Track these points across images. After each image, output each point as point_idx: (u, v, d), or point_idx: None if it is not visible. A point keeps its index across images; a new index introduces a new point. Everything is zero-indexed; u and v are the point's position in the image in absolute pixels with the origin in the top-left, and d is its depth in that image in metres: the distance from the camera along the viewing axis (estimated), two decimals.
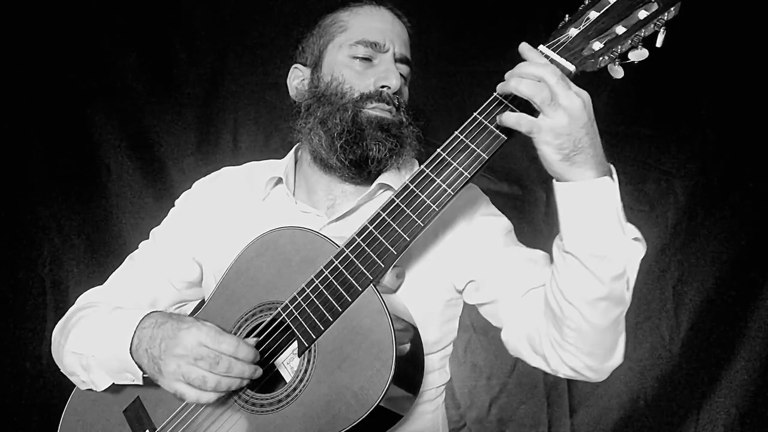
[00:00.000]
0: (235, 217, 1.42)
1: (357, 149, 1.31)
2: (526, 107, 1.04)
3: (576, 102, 0.98)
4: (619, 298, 1.08)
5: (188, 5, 2.39)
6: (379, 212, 1.14)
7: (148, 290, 1.44)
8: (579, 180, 1.02)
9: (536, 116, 1.01)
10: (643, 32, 1.04)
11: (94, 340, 1.26)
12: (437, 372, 1.40)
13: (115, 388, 1.27)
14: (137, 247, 1.51)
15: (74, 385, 1.35)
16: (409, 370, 1.13)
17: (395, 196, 1.14)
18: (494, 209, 1.42)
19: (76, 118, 2.35)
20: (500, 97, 1.08)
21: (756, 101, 2.24)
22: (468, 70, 2.31)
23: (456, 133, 1.11)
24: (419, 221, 1.11)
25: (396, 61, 1.36)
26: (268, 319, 1.19)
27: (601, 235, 1.03)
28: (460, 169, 1.09)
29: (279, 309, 1.18)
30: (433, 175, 1.11)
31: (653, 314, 2.31)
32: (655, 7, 1.02)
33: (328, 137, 1.33)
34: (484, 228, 1.35)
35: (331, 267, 1.14)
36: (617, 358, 1.17)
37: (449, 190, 1.09)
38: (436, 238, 1.33)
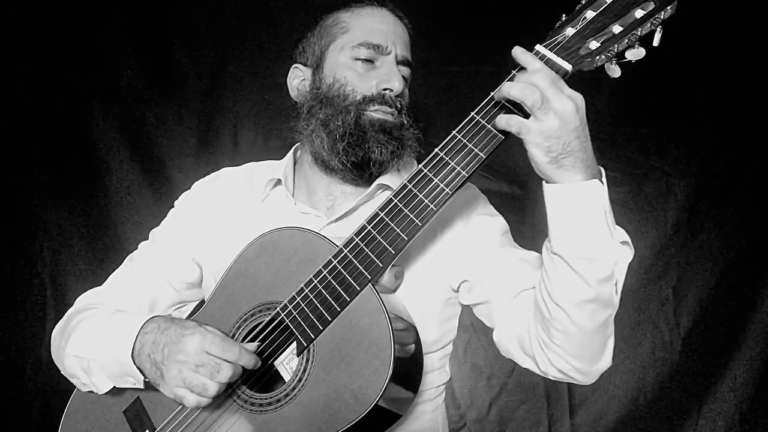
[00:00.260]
0: (235, 217, 1.42)
1: (359, 151, 1.31)
2: (522, 108, 1.04)
3: (568, 106, 0.98)
4: (607, 301, 1.08)
5: (188, 5, 2.39)
6: (377, 212, 1.14)
7: (148, 291, 1.44)
8: (567, 182, 1.02)
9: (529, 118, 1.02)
10: (640, 31, 1.04)
11: (95, 343, 1.26)
12: (437, 371, 1.41)
13: (115, 389, 1.27)
14: (137, 248, 1.51)
15: (75, 386, 1.35)
16: (408, 370, 1.13)
17: (393, 196, 1.14)
18: (491, 209, 1.42)
19: (76, 118, 2.35)
20: (497, 98, 1.08)
21: (756, 101, 2.24)
22: (468, 70, 2.31)
23: (454, 132, 1.11)
24: (417, 221, 1.11)
25: (398, 63, 1.36)
26: (267, 319, 1.19)
27: (589, 237, 1.04)
28: (458, 168, 1.09)
29: (278, 309, 1.18)
30: (431, 175, 1.11)
31: (653, 314, 2.31)
32: (651, 6, 1.02)
33: (330, 139, 1.33)
34: (480, 228, 1.35)
35: (330, 267, 1.15)
36: (605, 361, 1.17)
37: (447, 190, 1.10)
38: (434, 237, 1.34)
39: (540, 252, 1.15)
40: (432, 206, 1.10)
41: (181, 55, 2.40)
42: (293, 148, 1.49)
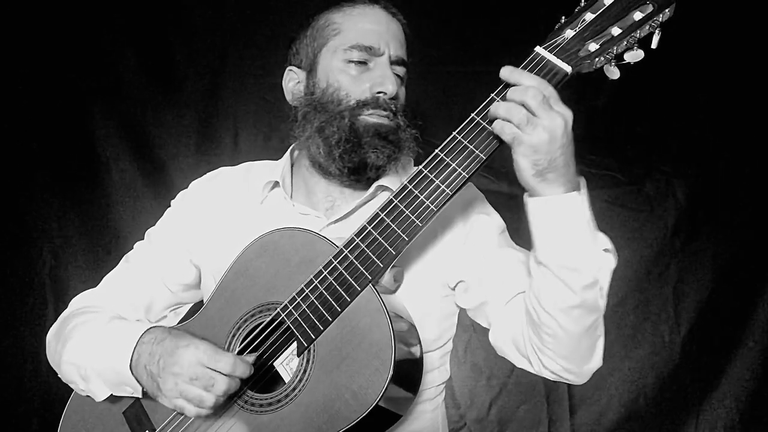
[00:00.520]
0: (234, 218, 1.41)
1: (355, 157, 1.30)
2: None
3: (557, 123, 1.00)
4: (593, 306, 1.11)
5: (188, 5, 2.38)
6: (377, 212, 1.15)
7: (143, 293, 1.43)
8: (548, 195, 1.05)
9: None
10: (639, 33, 1.05)
11: (93, 352, 1.26)
12: (437, 370, 1.40)
13: None
14: (132, 248, 1.50)
15: None
16: (409, 370, 1.13)
17: (394, 197, 1.14)
18: (489, 208, 1.42)
19: (76, 118, 2.35)
20: (497, 99, 1.08)
21: (756, 101, 2.24)
22: (468, 70, 2.31)
23: (454, 133, 1.11)
24: (418, 221, 1.11)
25: (392, 62, 1.34)
26: (267, 319, 1.19)
27: (571, 248, 1.06)
28: (459, 169, 1.09)
29: (278, 309, 1.18)
30: (431, 176, 1.12)
31: (653, 314, 2.31)
32: (650, 8, 1.04)
33: (326, 145, 1.31)
34: (478, 227, 1.35)
35: (330, 267, 1.15)
36: (595, 361, 1.19)
37: (447, 191, 1.10)
38: (432, 236, 1.33)
39: None
40: (432, 207, 1.11)
41: (181, 55, 2.39)
42: (290, 148, 1.48)
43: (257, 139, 2.40)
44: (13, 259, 2.33)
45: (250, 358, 1.16)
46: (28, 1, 2.30)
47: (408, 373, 1.13)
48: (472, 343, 2.35)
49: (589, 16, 1.07)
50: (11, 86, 2.31)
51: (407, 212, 1.12)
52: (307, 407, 1.11)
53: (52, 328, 1.40)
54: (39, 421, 2.28)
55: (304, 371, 1.13)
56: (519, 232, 1.40)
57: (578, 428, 2.34)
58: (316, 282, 1.15)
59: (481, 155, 1.09)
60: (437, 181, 1.11)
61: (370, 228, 1.14)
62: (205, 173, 1.53)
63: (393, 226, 1.12)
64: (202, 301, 1.47)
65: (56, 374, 1.36)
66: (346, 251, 1.15)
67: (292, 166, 1.47)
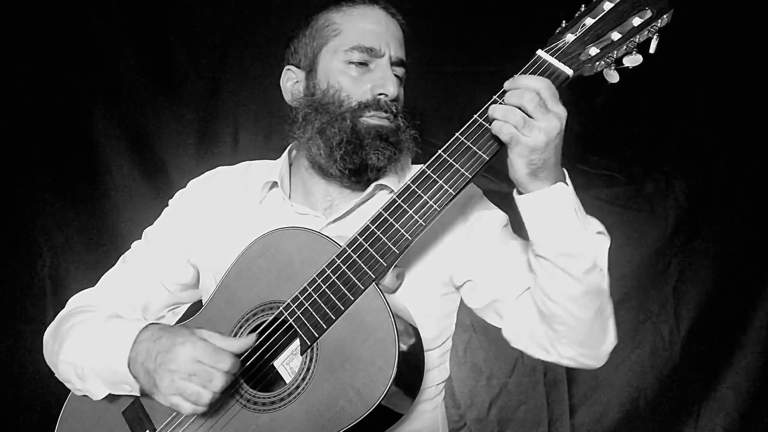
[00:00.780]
0: (233, 218, 1.40)
1: (356, 158, 1.30)
2: None
3: (553, 125, 1.03)
4: (597, 290, 1.14)
5: (188, 5, 2.39)
6: (380, 212, 1.15)
7: (140, 293, 1.43)
8: (537, 190, 1.09)
9: None
10: (638, 38, 1.08)
11: (90, 351, 1.25)
12: (436, 369, 1.40)
13: None
14: (130, 247, 1.50)
15: None
16: (411, 369, 1.13)
17: (397, 196, 1.15)
18: (489, 203, 1.42)
19: (76, 118, 2.35)
20: (499, 101, 1.09)
21: (755, 101, 2.25)
22: (468, 70, 2.32)
23: (457, 134, 1.12)
24: (421, 221, 1.12)
25: (392, 63, 1.34)
26: (270, 318, 1.19)
27: (564, 235, 1.10)
28: (462, 170, 1.11)
29: (281, 308, 1.18)
30: (434, 176, 1.12)
31: (653, 314, 2.32)
32: (649, 14, 1.06)
33: (327, 147, 1.31)
34: (481, 225, 1.35)
35: (334, 266, 1.15)
36: (610, 341, 1.22)
37: (450, 190, 1.11)
38: (432, 235, 1.33)
39: None
40: (436, 206, 1.12)
41: (181, 55, 2.39)
42: (288, 148, 1.48)
43: (257, 139, 2.40)
44: (13, 259, 2.32)
45: (249, 340, 1.16)
46: (28, 1, 2.30)
47: (410, 372, 1.13)
48: (472, 343, 2.35)
49: (589, 21, 1.09)
50: (11, 86, 2.31)
51: (411, 212, 1.13)
52: (310, 405, 1.11)
53: (49, 328, 1.39)
54: (39, 421, 2.27)
55: (308, 369, 1.13)
56: (519, 232, 1.41)
57: (578, 428, 2.34)
58: (319, 281, 1.15)
59: (484, 156, 1.10)
60: (440, 182, 1.12)
61: (373, 227, 1.15)
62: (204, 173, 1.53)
63: (396, 225, 1.13)
64: (200, 301, 1.47)
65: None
66: (349, 250, 1.15)
67: (290, 166, 1.47)
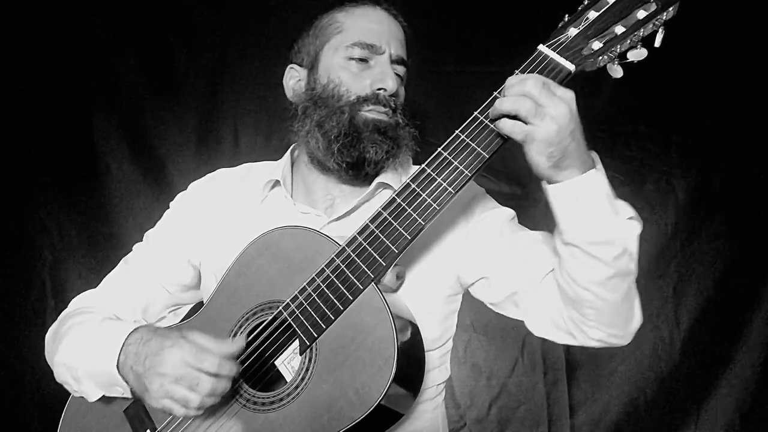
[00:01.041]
0: (234, 218, 1.41)
1: (354, 152, 1.32)
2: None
3: (562, 110, 1.00)
4: (626, 272, 1.11)
5: (188, 5, 2.38)
6: (380, 211, 1.15)
7: (141, 294, 1.44)
8: (566, 180, 1.05)
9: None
10: (642, 32, 1.05)
11: (82, 353, 1.26)
12: (437, 369, 1.41)
13: None
14: (132, 250, 1.51)
15: None
16: (411, 368, 1.13)
17: (396, 195, 1.14)
18: (493, 202, 1.43)
19: (76, 118, 2.35)
20: (500, 96, 1.08)
21: (756, 101, 2.24)
22: (468, 70, 2.31)
23: (457, 132, 1.11)
24: (420, 219, 1.11)
25: (392, 62, 1.36)
26: (269, 318, 1.19)
27: (596, 224, 1.07)
28: (461, 168, 1.10)
29: (280, 308, 1.18)
30: (434, 174, 1.12)
31: (653, 314, 2.31)
32: (653, 7, 1.04)
33: (325, 140, 1.33)
34: (485, 222, 1.36)
35: (333, 265, 1.15)
36: (637, 320, 1.21)
37: (450, 189, 1.10)
38: (435, 234, 1.34)
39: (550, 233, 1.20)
40: (435, 205, 1.11)
41: (181, 55, 2.39)
42: (290, 148, 1.49)
43: (257, 139, 2.40)
44: (13, 259, 2.32)
45: (237, 346, 1.14)
46: (28, 1, 2.30)
47: (410, 372, 1.13)
48: (472, 343, 2.35)
49: (592, 15, 1.07)
50: (11, 86, 2.31)
51: (410, 210, 1.12)
52: (309, 406, 1.11)
53: (50, 328, 1.40)
54: (39, 421, 2.27)
55: (307, 369, 1.13)
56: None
57: (578, 428, 2.34)
58: (318, 280, 1.15)
59: (485, 154, 1.08)
60: (440, 179, 1.11)
61: (372, 226, 1.14)
62: (205, 173, 1.54)
63: (395, 224, 1.13)
64: (202, 301, 1.47)
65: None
66: (348, 249, 1.15)
67: (292, 165, 1.48)
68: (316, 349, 1.13)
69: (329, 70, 1.35)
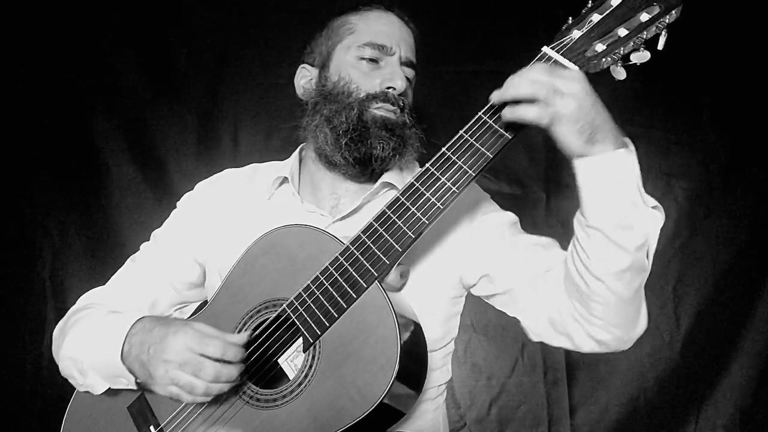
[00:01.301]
0: (240, 216, 1.43)
1: (361, 147, 1.33)
2: None
3: (575, 86, 1.00)
4: (641, 267, 1.09)
5: (188, 5, 2.39)
6: (384, 210, 1.16)
7: (148, 292, 1.45)
8: (600, 154, 1.03)
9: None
10: (645, 34, 1.05)
11: (87, 346, 1.27)
12: (438, 370, 1.41)
13: None
14: (138, 249, 1.52)
15: None
16: (413, 367, 1.13)
17: (400, 195, 1.15)
18: (496, 207, 1.43)
19: (76, 119, 2.35)
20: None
21: (756, 101, 2.25)
22: (468, 70, 2.32)
23: (461, 132, 1.12)
24: (424, 219, 1.12)
25: (402, 64, 1.39)
26: (273, 315, 1.20)
27: (624, 205, 1.04)
28: (465, 167, 1.10)
29: (284, 306, 1.18)
30: (438, 174, 1.12)
31: (653, 314, 2.29)
32: (657, 10, 1.04)
33: (334, 135, 1.35)
34: (487, 223, 1.36)
35: (337, 264, 1.15)
36: (642, 324, 1.19)
37: (454, 189, 1.11)
38: (439, 236, 1.34)
39: (552, 238, 1.20)
40: (439, 205, 1.11)
41: (181, 55, 2.40)
42: (299, 147, 1.51)
43: (257, 139, 2.40)
44: (13, 259, 2.32)
45: (240, 337, 1.15)
46: (28, 1, 2.30)
47: (413, 371, 1.13)
48: (472, 343, 2.35)
49: (596, 17, 1.07)
50: (11, 86, 2.31)
51: (413, 209, 1.13)
52: (312, 403, 1.11)
53: (58, 324, 1.41)
54: (39, 421, 2.27)
55: (310, 367, 1.13)
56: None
57: (578, 428, 2.34)
58: (322, 278, 1.16)
59: (489, 154, 1.09)
60: (443, 179, 1.11)
61: (376, 225, 1.15)
62: (206, 173, 1.55)
63: (399, 223, 1.13)
64: (206, 300, 1.48)
65: (57, 374, 1.36)
66: (352, 248, 1.15)
67: (300, 163, 1.49)
68: (320, 347, 1.13)
69: (340, 68, 1.38)
